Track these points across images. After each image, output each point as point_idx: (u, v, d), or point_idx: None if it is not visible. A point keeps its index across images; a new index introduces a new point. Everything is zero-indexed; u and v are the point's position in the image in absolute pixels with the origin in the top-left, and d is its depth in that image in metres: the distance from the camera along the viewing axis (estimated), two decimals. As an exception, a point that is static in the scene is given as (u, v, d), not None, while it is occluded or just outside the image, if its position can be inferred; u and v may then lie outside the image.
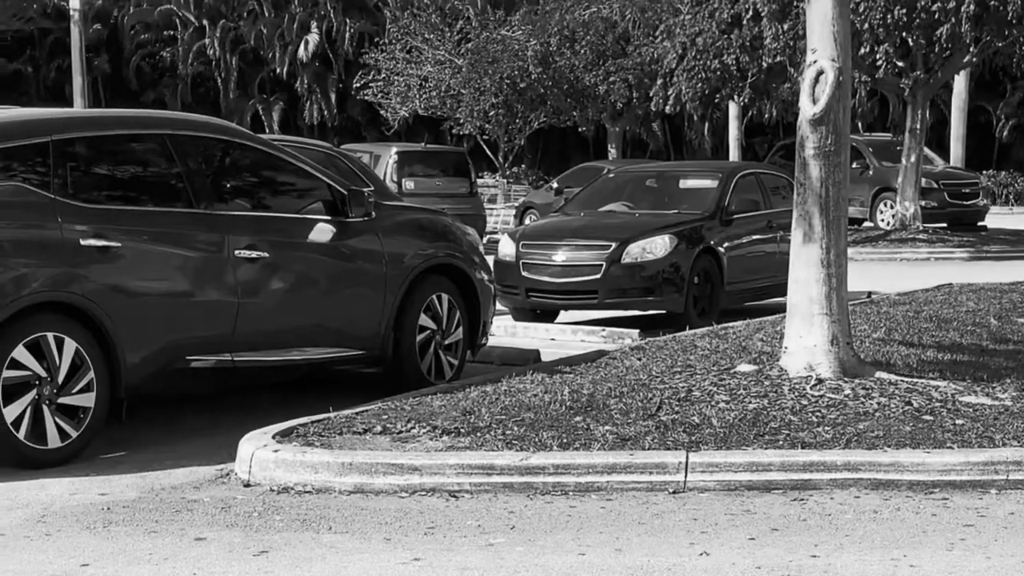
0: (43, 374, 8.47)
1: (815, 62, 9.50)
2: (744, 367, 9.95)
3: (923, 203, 29.76)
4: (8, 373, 8.32)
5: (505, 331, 14.77)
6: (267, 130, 56.87)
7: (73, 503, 7.74)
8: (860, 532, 6.95)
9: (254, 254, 9.60)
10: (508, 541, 6.89)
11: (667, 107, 30.07)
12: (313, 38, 60.79)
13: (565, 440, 8.24)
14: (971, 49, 27.26)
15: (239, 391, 10.62)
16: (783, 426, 8.51)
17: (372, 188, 11.85)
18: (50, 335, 8.52)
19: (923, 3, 25.36)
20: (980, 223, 32.41)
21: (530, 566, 6.46)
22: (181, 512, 7.52)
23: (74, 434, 8.64)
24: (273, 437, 8.47)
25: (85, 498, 7.85)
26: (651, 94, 31.77)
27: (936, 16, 25.38)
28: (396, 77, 46.59)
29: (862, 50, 25.91)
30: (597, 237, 15.48)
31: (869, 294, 16.85)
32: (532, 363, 11.96)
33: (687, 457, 7.90)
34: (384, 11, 54.27)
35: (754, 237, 16.53)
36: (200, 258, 9.41)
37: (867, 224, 32.13)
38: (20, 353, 8.38)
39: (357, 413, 9.14)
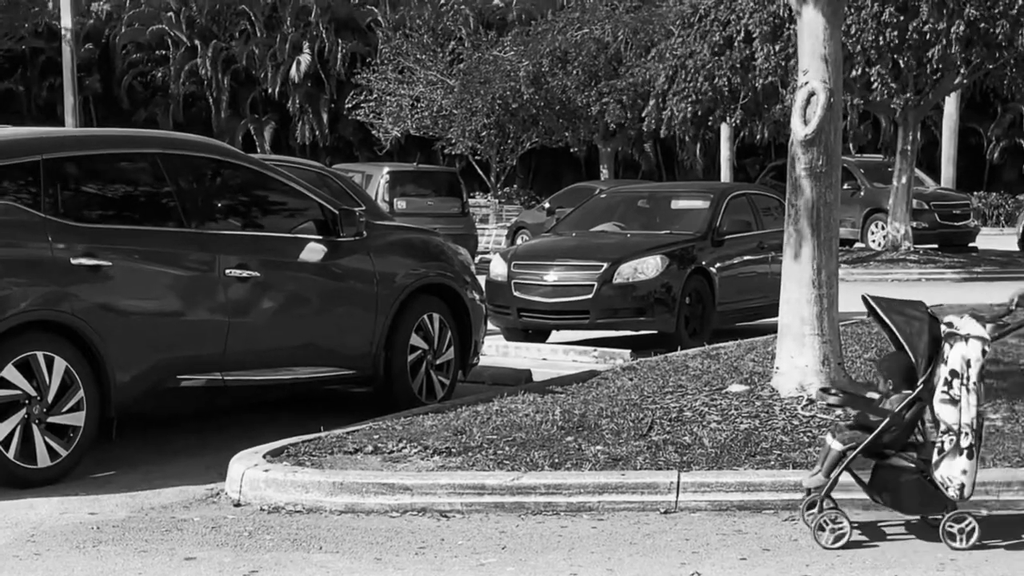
0: (33, 393, 8.45)
1: (806, 83, 9.52)
2: (735, 387, 9.94)
3: (914, 224, 29.81)
4: (-3, 392, 8.30)
5: (497, 351, 14.76)
6: (259, 150, 56.87)
7: (63, 523, 7.71)
8: (851, 552, 6.95)
9: (245, 273, 9.59)
10: (499, 561, 6.87)
11: (661, 130, 30.10)
12: (305, 58, 60.84)
13: (556, 460, 8.23)
14: (961, 71, 27.34)
15: (229, 410, 10.60)
16: (774, 446, 8.50)
17: (363, 208, 11.84)
18: (40, 354, 8.50)
19: (914, 25, 25.44)
20: (971, 244, 32.48)
21: (521, 586, 6.44)
22: (171, 531, 7.50)
23: (64, 453, 8.61)
24: (264, 456, 8.46)
25: (75, 517, 7.83)
26: (643, 115, 31.81)
27: (927, 38, 25.46)
28: (388, 97, 46.62)
29: (854, 72, 25.96)
30: (589, 257, 15.48)
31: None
32: (524, 383, 11.96)
33: (679, 477, 7.90)
34: (376, 32, 54.32)
35: (745, 258, 16.54)
36: (191, 277, 9.40)
37: (858, 245, 32.18)
38: (10, 372, 8.36)
39: (348, 433, 9.13)
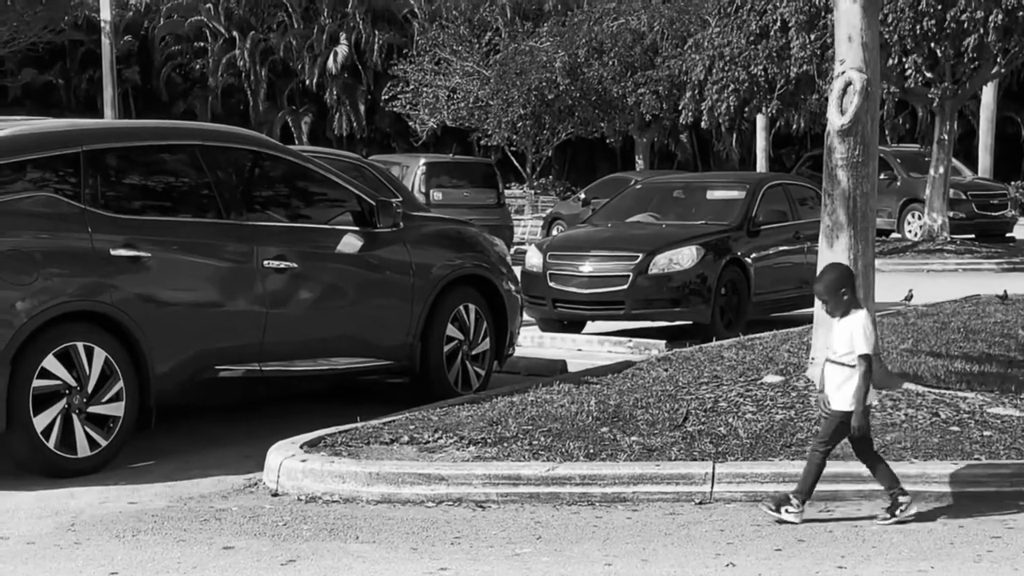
0: (73, 383, 8.53)
1: (843, 73, 9.50)
2: (771, 378, 9.94)
3: (951, 214, 29.64)
4: (38, 382, 8.37)
5: (532, 342, 14.79)
6: (296, 141, 57.06)
7: (102, 512, 7.78)
8: (887, 544, 6.95)
9: (283, 264, 9.64)
10: (534, 551, 6.90)
11: (702, 122, 30.03)
12: (342, 50, 60.95)
13: (591, 451, 8.25)
14: (999, 60, 27.18)
15: (267, 401, 10.66)
16: (810, 437, 8.48)
17: (400, 199, 11.88)
18: (80, 344, 8.57)
19: (952, 14, 25.29)
20: (1008, 234, 32.28)
21: (556, 576, 6.47)
22: (209, 521, 7.56)
23: (103, 443, 8.68)
24: (301, 447, 8.51)
25: (114, 507, 7.90)
26: (680, 106, 31.75)
27: (965, 27, 25.31)
28: (424, 88, 46.68)
29: (890, 61, 25.85)
30: (624, 248, 15.48)
31: (909, 293, 16.70)
32: (559, 374, 11.98)
33: (713, 468, 7.91)
34: (413, 23, 54.42)
35: (781, 248, 16.51)
36: (229, 268, 9.46)
37: (895, 235, 32.02)
38: (50, 362, 8.44)
39: (384, 423, 9.17)
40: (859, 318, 7.38)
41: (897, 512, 7.33)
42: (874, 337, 7.47)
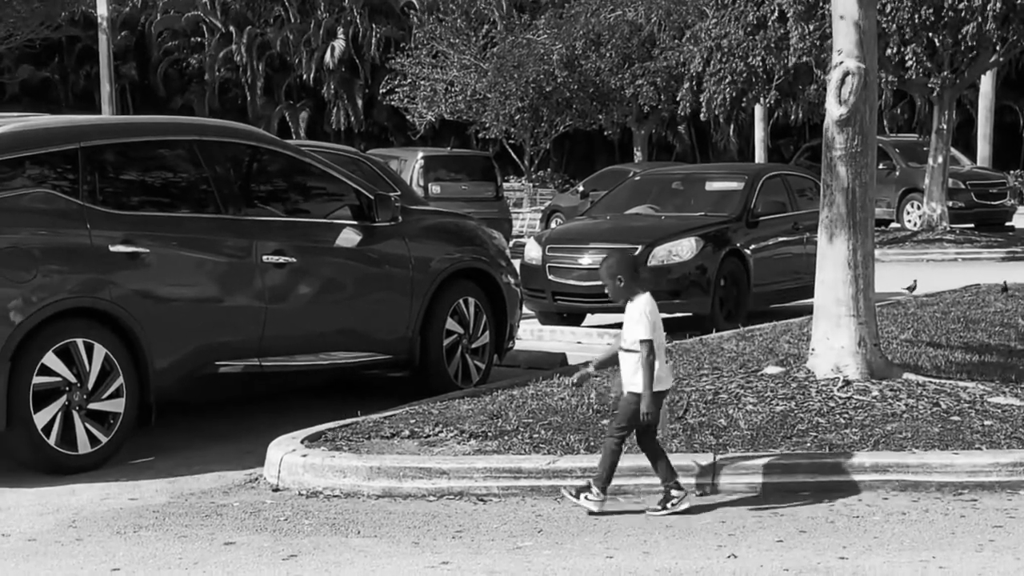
0: (73, 380, 8.53)
1: (841, 63, 9.49)
2: (771, 369, 9.94)
3: (950, 204, 29.63)
4: (39, 379, 8.38)
5: (532, 335, 14.78)
6: (294, 136, 57.01)
7: (103, 508, 7.78)
8: (889, 534, 6.95)
9: (282, 259, 9.64)
10: (536, 544, 6.90)
11: (701, 113, 30.02)
12: (339, 44, 60.88)
13: (592, 443, 8.25)
14: (998, 49, 27.16)
15: (267, 396, 10.66)
16: (810, 428, 8.50)
17: (399, 193, 11.87)
18: (80, 341, 8.57)
19: (950, 3, 25.27)
20: (1007, 223, 32.27)
21: (558, 569, 6.47)
22: (210, 517, 7.56)
23: (104, 439, 8.69)
24: (301, 442, 8.51)
25: (115, 503, 7.90)
26: (678, 98, 31.74)
27: (963, 15, 25.29)
28: (422, 82, 46.66)
29: (888, 50, 25.83)
30: (623, 240, 15.46)
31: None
32: (559, 366, 11.97)
33: (715, 459, 7.91)
34: (410, 16, 54.35)
35: (780, 239, 16.51)
36: (228, 263, 9.46)
37: (894, 225, 32.03)
38: (50, 359, 8.44)
39: (385, 417, 9.17)
40: (640, 304, 7.41)
41: (668, 505, 7.41)
42: (656, 320, 7.42)
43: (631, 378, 7.41)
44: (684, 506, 7.41)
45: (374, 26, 61.14)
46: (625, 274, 7.51)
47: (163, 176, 9.66)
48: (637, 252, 15.07)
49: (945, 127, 28.66)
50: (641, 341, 7.31)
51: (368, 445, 8.48)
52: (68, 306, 8.57)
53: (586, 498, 7.42)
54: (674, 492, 7.42)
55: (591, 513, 7.39)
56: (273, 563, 6.65)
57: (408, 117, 48.57)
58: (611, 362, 7.68)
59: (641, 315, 7.37)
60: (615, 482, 7.54)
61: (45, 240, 8.56)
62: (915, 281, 16.72)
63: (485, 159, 30.82)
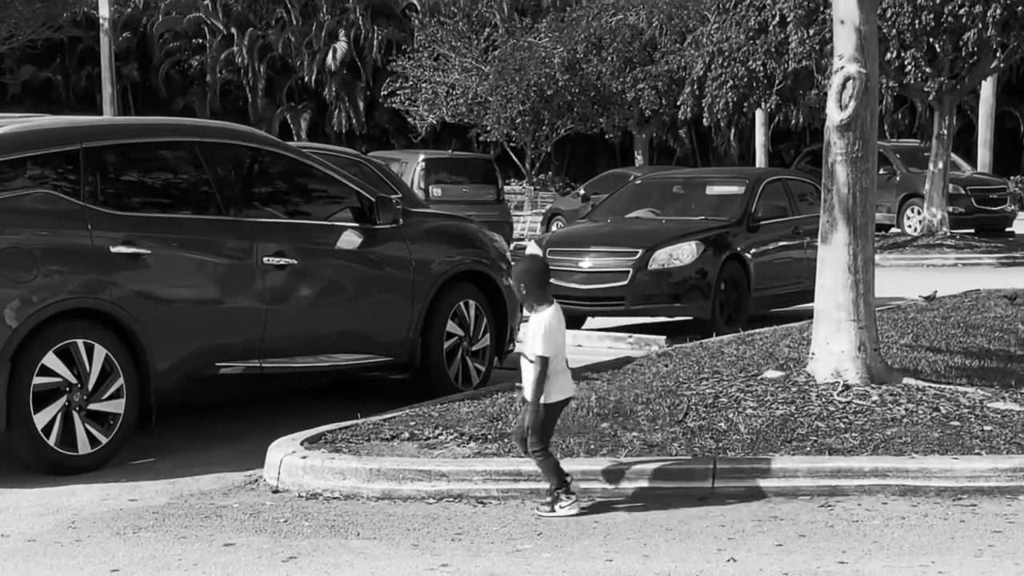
0: (73, 380, 8.53)
1: (842, 68, 9.50)
2: (771, 373, 9.94)
3: (950, 209, 29.64)
4: (39, 380, 8.38)
5: (532, 337, 14.74)
6: (295, 138, 57.01)
7: (103, 509, 7.79)
8: (888, 538, 6.95)
9: (283, 261, 9.65)
10: (535, 547, 6.90)
11: (704, 118, 30.03)
12: (341, 46, 60.89)
13: (592, 447, 8.25)
14: (998, 55, 27.17)
15: (267, 397, 10.66)
16: (810, 432, 8.50)
17: (400, 195, 11.88)
18: (80, 342, 8.58)
19: (950, 8, 25.29)
20: (1007, 229, 32.28)
21: (557, 572, 6.48)
22: (210, 518, 7.56)
23: (104, 440, 8.69)
24: (301, 443, 8.51)
25: (115, 504, 7.90)
26: (679, 102, 31.76)
27: (963, 21, 25.31)
28: (423, 84, 46.68)
29: (889, 55, 25.84)
30: (624, 244, 15.48)
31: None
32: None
33: (714, 463, 7.91)
34: (412, 18, 54.39)
35: (781, 243, 16.51)
36: (229, 265, 9.46)
37: (894, 230, 32.03)
38: (51, 360, 8.44)
39: (385, 420, 9.17)
40: (543, 317, 7.48)
41: (556, 508, 7.45)
42: (557, 335, 7.49)
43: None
44: (571, 511, 7.44)
45: (376, 28, 61.17)
46: (528, 282, 7.57)
47: (164, 177, 9.67)
48: (638, 256, 15.09)
49: (946, 132, 28.67)
50: (537, 357, 7.38)
51: (368, 447, 8.48)
52: (69, 307, 8.57)
53: (561, 507, 7.45)
54: (563, 496, 7.48)
55: (577, 514, 7.40)
56: (272, 565, 6.65)
57: (409, 120, 48.59)
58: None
59: (542, 329, 7.42)
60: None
61: (46, 241, 8.56)
62: (935, 292, 16.50)
63: (486, 162, 30.81)
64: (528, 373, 7.48)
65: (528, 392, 7.43)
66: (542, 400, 7.42)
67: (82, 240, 8.68)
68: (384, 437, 8.69)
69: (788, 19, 26.54)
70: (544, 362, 7.36)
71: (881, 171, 27.41)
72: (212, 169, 9.60)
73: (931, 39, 26.15)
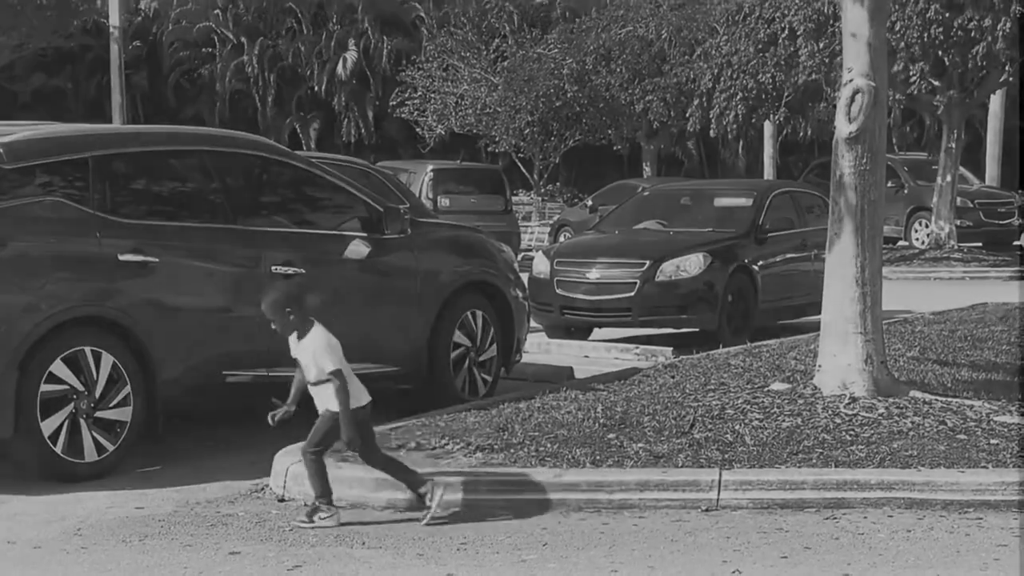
0: (80, 388, 8.54)
1: (851, 81, 9.50)
2: (778, 385, 9.94)
3: (958, 222, 29.63)
4: (46, 387, 8.39)
5: (539, 348, 14.79)
6: (304, 147, 57.01)
7: (109, 517, 7.80)
8: (893, 551, 6.95)
9: (290, 270, 9.66)
10: (540, 557, 6.91)
11: (711, 130, 30.05)
12: (351, 56, 60.92)
13: (598, 457, 8.25)
14: (1007, 68, 27.16)
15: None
16: (816, 444, 8.50)
17: (408, 205, 11.89)
18: (88, 349, 8.59)
19: (960, 22, 25.30)
20: (1016, 242, 32.26)
21: (562, 582, 6.48)
22: (216, 526, 7.57)
23: (111, 448, 8.70)
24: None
25: (121, 512, 7.91)
26: (688, 114, 31.78)
27: (972, 35, 25.31)
28: (433, 95, 46.69)
29: (897, 68, 25.85)
30: (631, 255, 15.50)
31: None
32: (566, 380, 11.98)
33: (720, 475, 7.91)
34: (421, 29, 54.43)
35: (788, 255, 16.51)
36: (237, 274, 9.48)
37: (902, 243, 32.01)
38: (58, 367, 8.46)
39: (391, 429, 9.18)
40: (316, 336, 7.51)
41: (427, 508, 7.52)
42: (336, 347, 7.53)
43: (328, 403, 7.51)
44: (328, 523, 7.47)
45: (385, 39, 61.19)
46: (294, 305, 7.58)
47: (173, 186, 9.69)
48: (645, 267, 15.10)
49: (954, 146, 28.67)
50: (331, 373, 7.42)
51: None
52: (77, 314, 8.60)
53: (320, 518, 7.48)
54: (428, 499, 7.53)
55: (335, 526, 7.44)
56: (278, 573, 6.66)
57: (418, 130, 48.58)
58: (301, 395, 7.74)
59: (324, 347, 7.46)
60: (624, 495, 7.54)
61: (55, 248, 8.59)
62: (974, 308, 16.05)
63: (495, 172, 30.87)
64: (327, 392, 7.47)
65: (340, 406, 7.40)
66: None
67: (91, 248, 8.71)
68: (390, 447, 8.69)
69: (798, 32, 26.58)
70: (340, 374, 7.42)
71: (889, 184, 27.48)
72: (221, 178, 9.62)
73: (940, 52, 26.16)
